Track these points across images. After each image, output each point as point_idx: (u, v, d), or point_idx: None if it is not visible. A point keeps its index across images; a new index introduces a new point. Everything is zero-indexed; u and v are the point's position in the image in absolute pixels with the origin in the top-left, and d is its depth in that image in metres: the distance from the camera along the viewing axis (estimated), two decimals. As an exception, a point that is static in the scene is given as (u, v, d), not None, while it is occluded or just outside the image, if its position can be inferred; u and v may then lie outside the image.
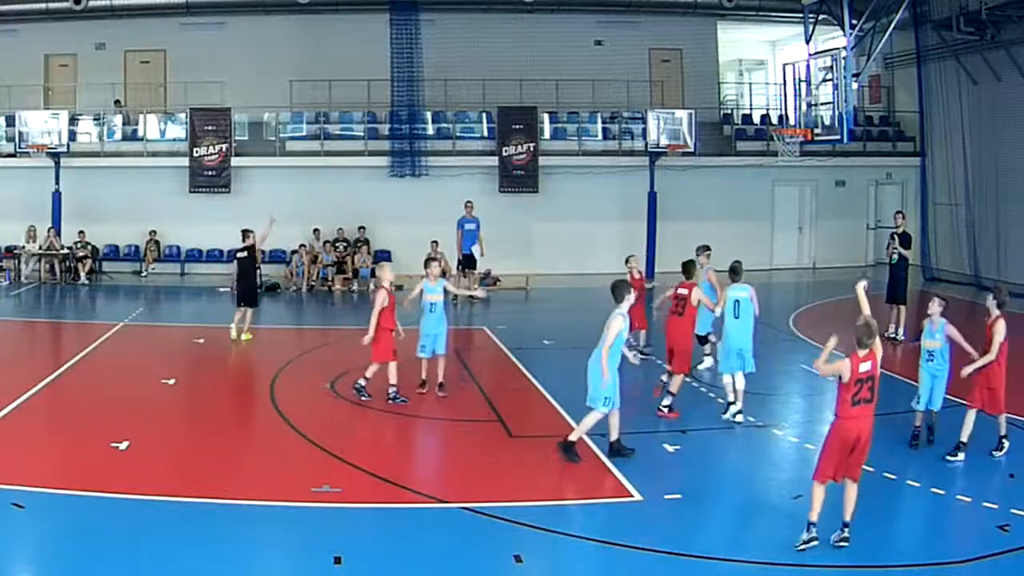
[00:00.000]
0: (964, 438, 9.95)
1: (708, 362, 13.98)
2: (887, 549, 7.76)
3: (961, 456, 9.88)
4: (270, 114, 25.43)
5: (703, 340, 13.79)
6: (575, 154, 25.79)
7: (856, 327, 7.76)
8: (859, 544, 7.88)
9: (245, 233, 16.62)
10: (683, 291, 11.82)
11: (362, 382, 12.10)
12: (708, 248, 13.71)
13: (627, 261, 15.13)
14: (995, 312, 10.02)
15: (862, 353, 7.67)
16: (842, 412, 7.62)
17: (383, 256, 24.52)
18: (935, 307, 10.44)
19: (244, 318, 16.20)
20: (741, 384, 11.41)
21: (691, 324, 12.00)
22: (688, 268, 12.09)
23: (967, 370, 9.92)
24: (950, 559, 7.47)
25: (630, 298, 9.80)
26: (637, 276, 14.63)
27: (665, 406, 11.58)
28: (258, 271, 17.84)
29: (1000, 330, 9.88)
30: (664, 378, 12.06)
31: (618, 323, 9.59)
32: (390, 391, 11.94)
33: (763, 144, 26.08)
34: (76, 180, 23.84)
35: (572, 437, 9.78)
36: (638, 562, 7.57)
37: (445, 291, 12.60)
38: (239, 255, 16.57)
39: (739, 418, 11.36)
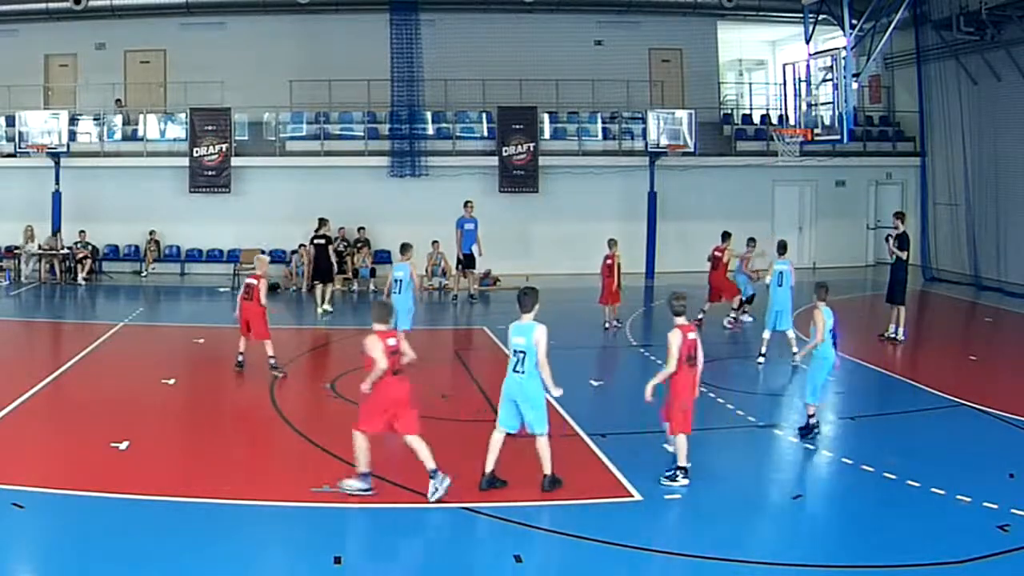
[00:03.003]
0: (682, 462, 9.14)
1: (747, 318, 17.94)
2: (887, 549, 7.76)
3: (682, 481, 9.07)
4: (270, 114, 25.42)
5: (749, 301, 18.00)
6: (575, 154, 25.79)
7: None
8: (859, 544, 7.89)
9: (322, 221, 19.95)
10: (718, 254, 17.51)
11: (272, 360, 13.56)
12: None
13: (612, 245, 17.61)
14: (674, 321, 9.26)
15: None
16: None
17: (383, 256, 24.58)
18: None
19: (323, 293, 19.26)
20: (792, 335, 14.68)
21: (725, 272, 17.50)
22: (725, 235, 17.79)
23: (648, 389, 9.11)
24: (950, 559, 7.47)
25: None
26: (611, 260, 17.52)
27: (731, 320, 17.62)
28: (331, 253, 20.30)
29: (671, 340, 9.06)
30: (706, 308, 17.46)
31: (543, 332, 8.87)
32: (271, 362, 13.51)
33: (763, 144, 26.07)
34: (76, 180, 23.85)
35: (548, 471, 8.95)
36: (638, 562, 7.57)
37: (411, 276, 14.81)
38: (316, 241, 19.86)
39: (760, 360, 14.64)
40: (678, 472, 9.13)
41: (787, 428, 11.30)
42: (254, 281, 13.62)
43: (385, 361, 8.64)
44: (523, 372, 8.79)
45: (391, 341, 8.77)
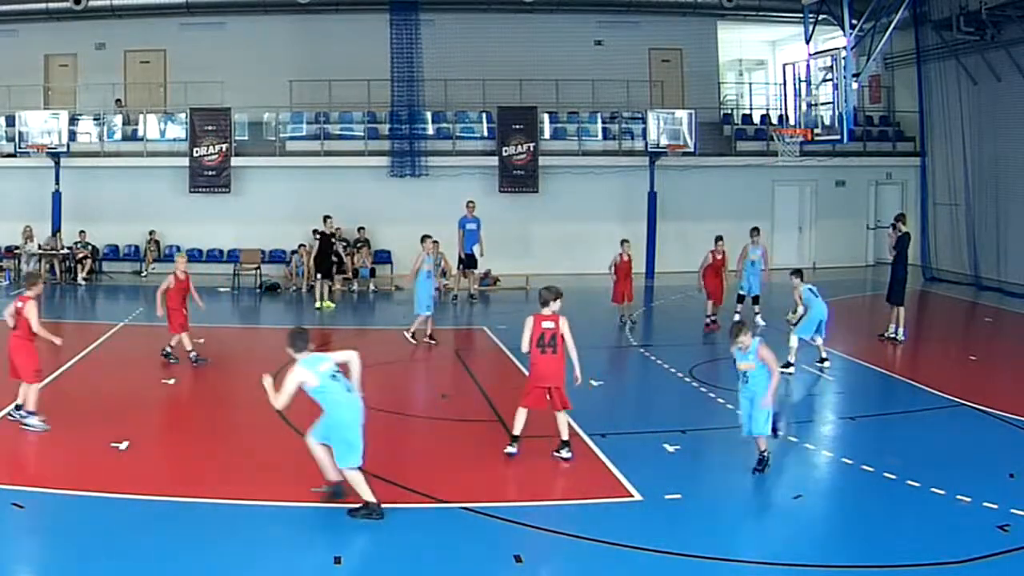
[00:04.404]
0: (564, 436, 9.72)
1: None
2: (887, 549, 7.76)
3: (566, 453, 9.67)
4: (270, 114, 25.43)
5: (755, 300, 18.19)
6: (575, 154, 25.79)
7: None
8: (859, 544, 7.89)
9: (326, 218, 20.91)
10: (710, 256, 17.75)
11: (167, 349, 14.19)
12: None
13: (623, 244, 18.12)
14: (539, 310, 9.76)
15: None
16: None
17: (382, 256, 24.59)
18: (743, 337, 9.32)
19: (321, 289, 20.17)
20: (819, 340, 14.23)
21: (719, 272, 17.70)
22: (717, 239, 17.96)
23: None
24: (950, 559, 7.47)
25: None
26: (627, 259, 17.86)
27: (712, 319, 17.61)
28: (334, 250, 21.40)
29: (525, 325, 9.59)
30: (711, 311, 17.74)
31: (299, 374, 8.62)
32: (191, 355, 14.11)
33: (763, 144, 26.09)
34: (76, 180, 23.85)
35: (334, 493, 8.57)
36: (638, 562, 7.57)
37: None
38: (320, 238, 20.85)
39: (790, 370, 13.55)
40: (512, 441, 9.77)
41: (787, 428, 11.30)
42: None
43: (12, 321, 10.53)
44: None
45: (19, 304, 10.54)
